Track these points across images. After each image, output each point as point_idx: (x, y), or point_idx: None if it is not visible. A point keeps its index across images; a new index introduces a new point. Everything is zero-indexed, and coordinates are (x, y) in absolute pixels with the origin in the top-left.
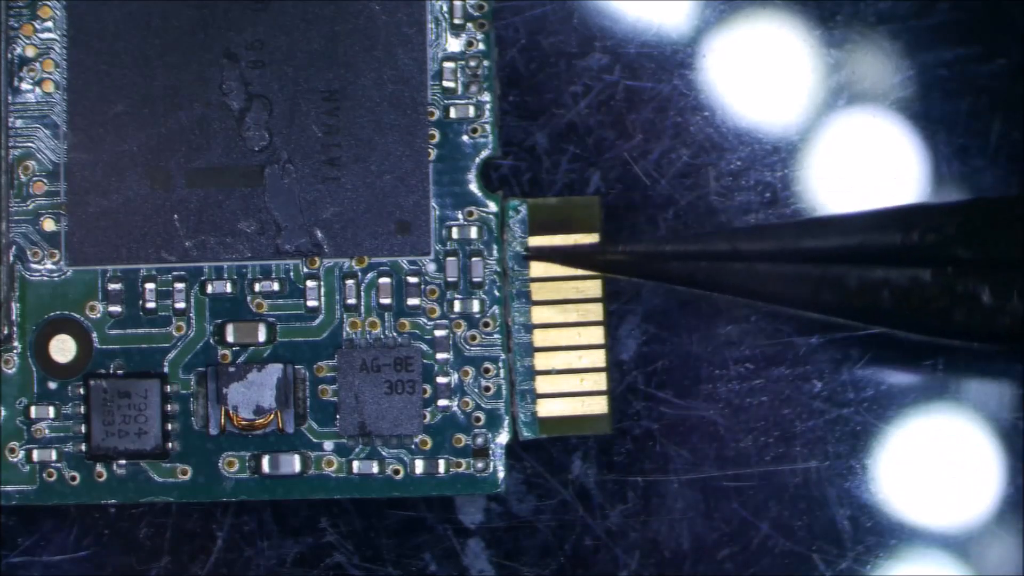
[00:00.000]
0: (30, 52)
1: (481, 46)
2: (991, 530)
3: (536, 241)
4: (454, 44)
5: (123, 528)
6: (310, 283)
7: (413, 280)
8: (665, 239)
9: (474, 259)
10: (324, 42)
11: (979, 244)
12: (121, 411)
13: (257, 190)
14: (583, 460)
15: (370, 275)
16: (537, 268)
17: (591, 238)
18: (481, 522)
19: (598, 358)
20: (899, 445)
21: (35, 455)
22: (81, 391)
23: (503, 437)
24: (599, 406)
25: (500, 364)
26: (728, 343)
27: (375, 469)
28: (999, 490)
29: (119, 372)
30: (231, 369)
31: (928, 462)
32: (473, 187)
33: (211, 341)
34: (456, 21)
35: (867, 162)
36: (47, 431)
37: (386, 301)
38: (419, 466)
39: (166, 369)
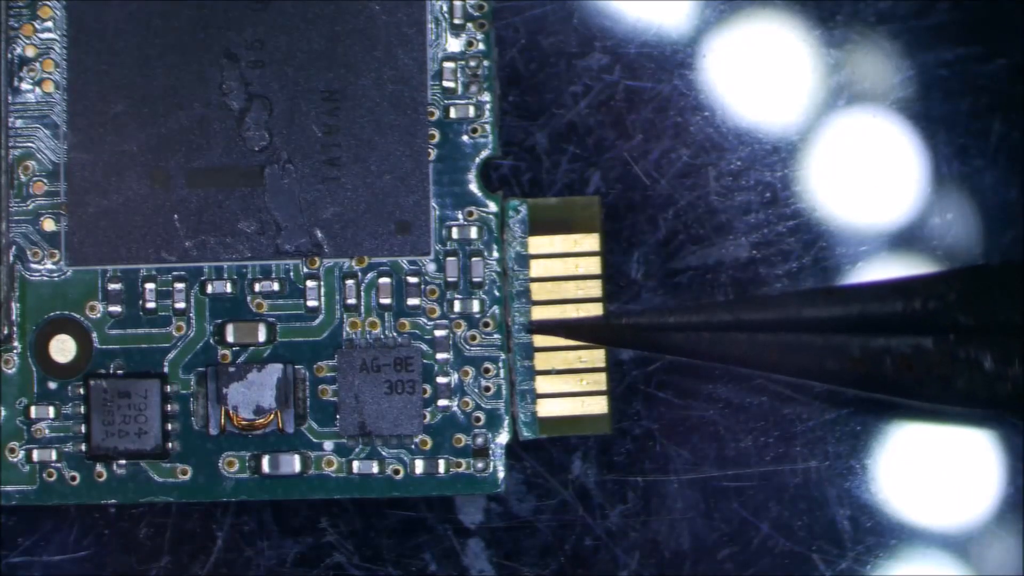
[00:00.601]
0: (30, 52)
1: (481, 46)
2: (991, 530)
3: (536, 241)
4: (454, 44)
5: (123, 528)
6: (310, 283)
7: (413, 280)
8: (668, 311)
9: (474, 259)
10: (324, 42)
11: (980, 310)
12: (121, 411)
13: (257, 190)
14: (583, 460)
15: (370, 275)
16: (537, 268)
17: (591, 238)
18: (481, 522)
19: (598, 358)
20: (899, 445)
21: (35, 455)
22: (81, 391)
23: (503, 437)
24: (599, 406)
25: (500, 364)
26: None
27: (375, 469)
28: (999, 490)
29: (119, 372)
30: (231, 369)
31: (928, 462)
32: (473, 187)
33: (211, 341)
34: (456, 21)
35: (867, 162)
36: (47, 431)
37: (386, 301)
38: (419, 466)
39: (166, 369)
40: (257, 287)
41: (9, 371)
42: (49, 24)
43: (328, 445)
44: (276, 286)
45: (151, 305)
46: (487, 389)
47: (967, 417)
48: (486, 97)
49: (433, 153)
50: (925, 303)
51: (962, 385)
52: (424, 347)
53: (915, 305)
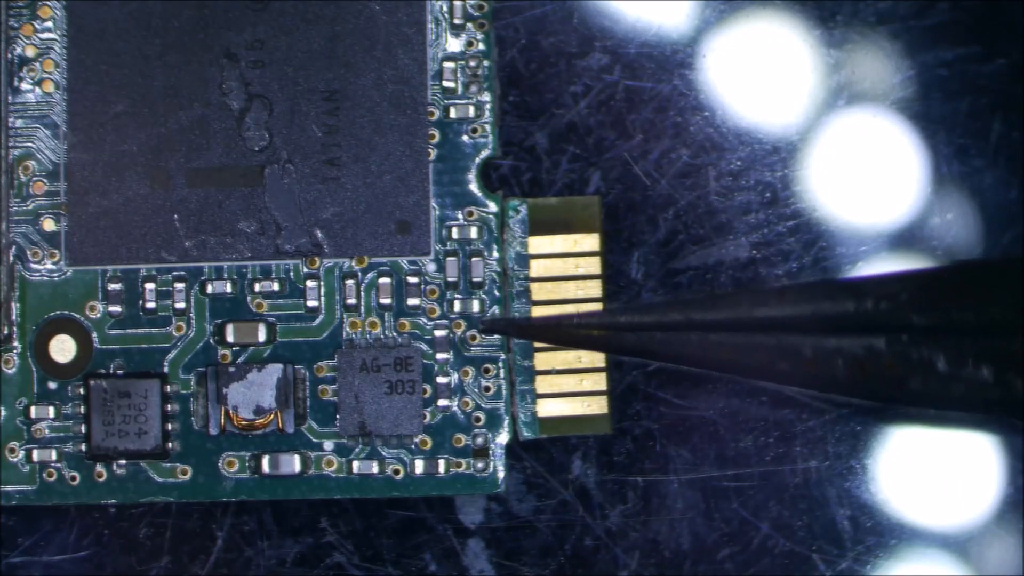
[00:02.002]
0: (30, 52)
1: (481, 46)
2: (991, 530)
3: (536, 241)
4: (454, 44)
5: (123, 528)
6: (310, 283)
7: (413, 280)
8: (620, 311)
9: (474, 259)
10: (324, 42)
11: (933, 311)
12: (121, 411)
13: (257, 190)
14: (583, 460)
15: (370, 275)
16: (537, 268)
17: (591, 238)
18: (481, 522)
19: (598, 358)
20: (899, 445)
21: (35, 455)
22: (81, 391)
23: (503, 437)
24: (599, 406)
25: (500, 364)
26: None
27: (375, 469)
28: (999, 490)
29: (119, 372)
30: (231, 369)
31: (928, 462)
32: (473, 187)
33: (211, 341)
34: (456, 21)
35: (867, 162)
36: (47, 431)
37: (386, 301)
38: (419, 466)
39: (166, 369)
40: (257, 287)
41: (9, 371)
42: (49, 24)
43: (328, 445)
44: (276, 286)
45: (151, 305)
46: (487, 389)
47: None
48: (486, 97)
49: (433, 153)
50: (877, 303)
51: (916, 386)
52: (424, 347)
53: (867, 305)
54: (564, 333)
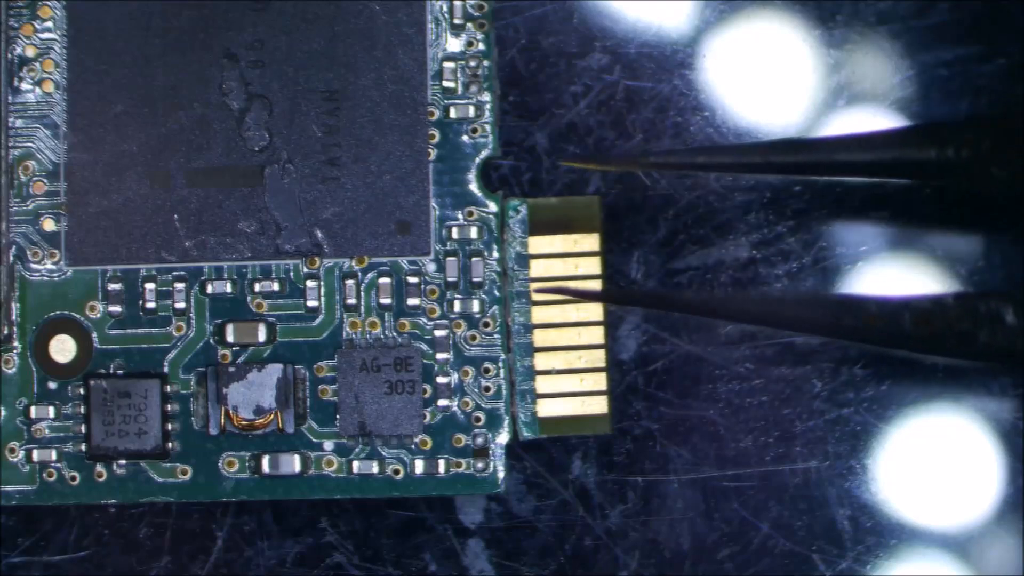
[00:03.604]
0: (30, 52)
1: (481, 46)
2: (991, 530)
3: (536, 241)
4: (454, 44)
5: (123, 528)
6: (310, 283)
7: (413, 280)
8: (698, 151)
9: (474, 259)
10: (324, 42)
11: (1014, 160)
12: (121, 411)
13: (257, 190)
14: (583, 460)
15: (370, 275)
16: (537, 268)
17: (591, 238)
18: (481, 522)
19: (598, 358)
20: (899, 445)
21: (35, 455)
22: (81, 391)
23: (503, 437)
24: (599, 406)
25: (500, 364)
26: (728, 343)
27: (375, 469)
28: (999, 490)
29: (119, 372)
30: (231, 369)
31: (928, 462)
32: (473, 187)
33: (211, 341)
34: (456, 21)
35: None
36: (47, 431)
37: (386, 301)
38: (419, 466)
39: (166, 369)
40: (257, 287)
41: (9, 371)
42: (49, 24)
43: (328, 445)
44: (276, 286)
45: (151, 305)
46: (487, 389)
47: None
48: (486, 97)
49: (433, 153)
50: (959, 151)
51: (984, 339)
52: (424, 347)
53: (948, 153)
54: (624, 292)
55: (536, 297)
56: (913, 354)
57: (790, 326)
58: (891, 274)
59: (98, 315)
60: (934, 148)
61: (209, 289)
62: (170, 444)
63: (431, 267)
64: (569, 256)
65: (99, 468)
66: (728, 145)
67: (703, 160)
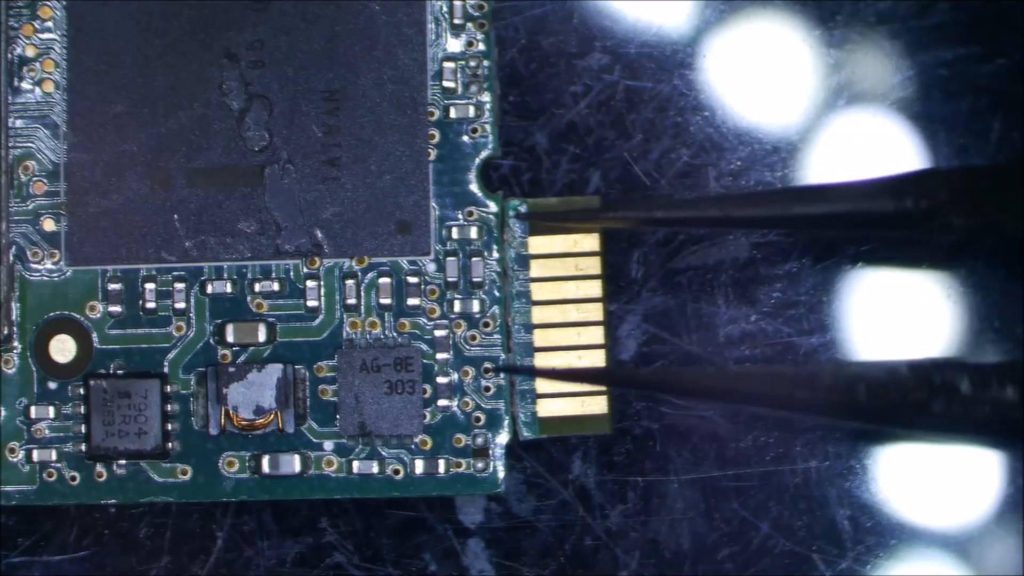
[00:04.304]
0: (30, 52)
1: (481, 46)
2: (991, 530)
3: (536, 241)
4: (454, 44)
5: (123, 528)
6: (310, 283)
7: (413, 280)
8: (656, 204)
9: (474, 259)
10: (324, 42)
11: (973, 211)
12: (121, 411)
13: (257, 190)
14: (583, 460)
15: (370, 275)
16: (537, 268)
17: (591, 238)
18: (481, 522)
19: (598, 358)
20: (899, 445)
21: (35, 455)
22: (81, 391)
23: (503, 437)
24: (599, 406)
25: (500, 364)
26: (728, 343)
27: (375, 469)
28: (999, 490)
29: (119, 372)
30: (231, 369)
31: (928, 462)
32: (473, 187)
33: (211, 341)
34: (456, 21)
35: (867, 162)
36: (47, 431)
37: (386, 301)
38: (419, 466)
39: (166, 369)
40: (257, 287)
41: (9, 371)
42: (49, 24)
43: (328, 445)
44: (276, 286)
45: (151, 305)
46: (487, 389)
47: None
48: (486, 97)
49: (433, 153)
50: (917, 202)
51: (939, 410)
52: (424, 347)
53: (907, 204)
54: (593, 374)
55: (536, 296)
56: (869, 428)
57: (745, 401)
58: (890, 276)
59: (98, 315)
60: (892, 200)
61: (209, 289)
62: (170, 444)
63: (431, 267)
64: (569, 256)
65: (99, 468)
66: (686, 199)
67: (661, 215)
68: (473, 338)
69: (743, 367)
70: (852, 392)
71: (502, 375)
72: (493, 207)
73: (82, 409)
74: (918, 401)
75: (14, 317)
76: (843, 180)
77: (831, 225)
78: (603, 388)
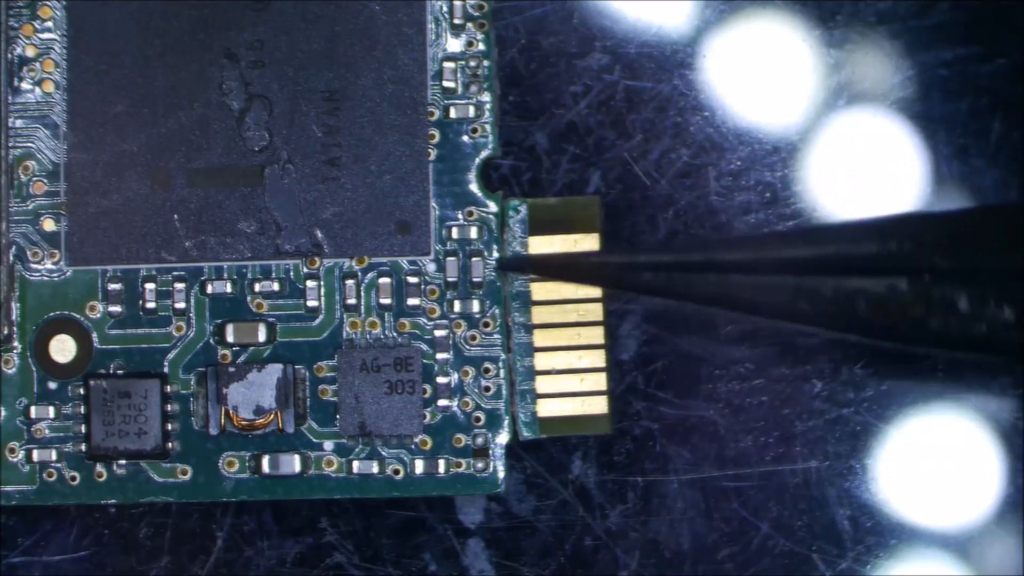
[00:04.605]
0: (30, 52)
1: (481, 46)
2: (991, 530)
3: (536, 241)
4: (454, 44)
5: (123, 528)
6: (310, 283)
7: (413, 280)
8: (640, 250)
9: (474, 259)
10: (324, 42)
11: (957, 254)
12: (121, 411)
13: (257, 190)
14: (583, 460)
15: (370, 275)
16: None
17: (591, 238)
18: (481, 522)
19: (598, 358)
20: (899, 445)
21: (35, 455)
22: (81, 391)
23: (503, 437)
24: (599, 406)
25: (500, 364)
26: (728, 343)
27: (375, 469)
28: (999, 490)
29: (119, 372)
30: (231, 369)
31: (928, 462)
32: (473, 187)
33: (211, 341)
34: (456, 21)
35: (867, 162)
36: (47, 431)
37: (386, 301)
38: (419, 466)
39: (166, 369)
40: (257, 287)
41: (9, 371)
42: (49, 24)
43: (328, 445)
44: (276, 286)
45: (151, 305)
46: (487, 389)
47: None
48: (486, 97)
49: (433, 153)
50: (901, 244)
51: (936, 326)
52: (424, 347)
53: (891, 247)
54: (582, 270)
55: (536, 296)
56: (868, 340)
57: (747, 309)
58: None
59: (98, 315)
60: (876, 243)
61: (209, 289)
62: (170, 444)
63: (431, 267)
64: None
65: (99, 468)
66: (669, 244)
67: (644, 259)
68: (473, 338)
69: (746, 277)
70: (852, 305)
71: (502, 374)
72: (493, 207)
73: (82, 409)
74: (916, 317)
75: (14, 317)
76: (826, 223)
77: (816, 269)
78: (603, 388)
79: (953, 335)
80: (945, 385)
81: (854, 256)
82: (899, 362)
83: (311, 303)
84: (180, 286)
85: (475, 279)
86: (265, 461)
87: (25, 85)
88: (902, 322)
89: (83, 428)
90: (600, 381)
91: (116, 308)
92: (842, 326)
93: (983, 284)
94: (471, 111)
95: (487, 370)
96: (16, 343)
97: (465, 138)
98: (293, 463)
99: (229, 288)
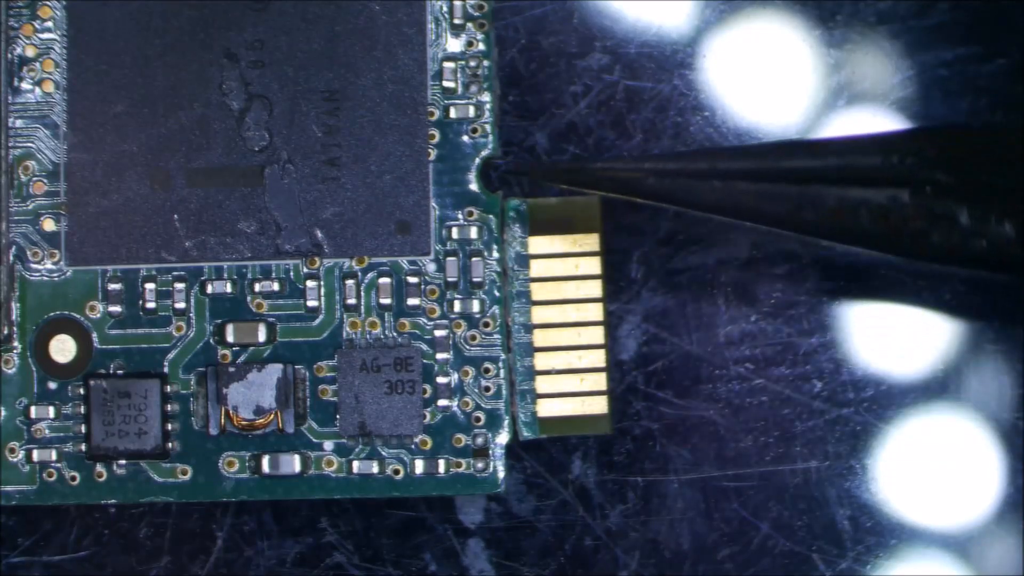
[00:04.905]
0: (30, 52)
1: (481, 46)
2: (991, 530)
3: (536, 241)
4: (454, 44)
5: (123, 528)
6: (310, 283)
7: (413, 280)
8: (645, 158)
9: (474, 259)
10: (324, 42)
11: (959, 169)
12: (121, 411)
13: (257, 190)
14: (583, 460)
15: (370, 275)
16: (537, 268)
17: (591, 238)
18: (481, 522)
19: (598, 358)
20: (899, 445)
21: (35, 455)
22: (81, 391)
23: (503, 437)
24: (599, 406)
25: (500, 364)
26: (728, 343)
27: (375, 469)
28: (999, 490)
29: (119, 372)
30: (231, 369)
31: (928, 462)
32: (473, 187)
33: (211, 341)
34: (456, 21)
35: None
36: (47, 431)
37: (386, 301)
38: (419, 466)
39: (166, 369)
40: (257, 287)
41: (9, 371)
42: (49, 24)
43: (328, 445)
44: (276, 286)
45: (151, 305)
46: (487, 389)
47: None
48: (486, 97)
49: (433, 153)
50: (903, 158)
51: (937, 240)
52: (424, 347)
53: (893, 160)
54: (588, 175)
55: (536, 296)
56: (868, 250)
57: (750, 217)
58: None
59: (98, 315)
60: (879, 155)
61: (209, 289)
62: (170, 444)
63: (431, 267)
64: (569, 256)
65: (99, 468)
66: (675, 153)
67: (650, 165)
68: (473, 338)
69: (750, 184)
70: (854, 216)
71: (502, 374)
72: (493, 207)
73: (82, 409)
74: (918, 230)
75: (14, 317)
76: (832, 136)
77: (820, 179)
78: (603, 388)
79: (954, 249)
80: (945, 385)
81: (857, 167)
82: (899, 362)
83: (311, 303)
84: (180, 286)
85: (475, 279)
86: (265, 461)
87: (25, 85)
88: (903, 234)
89: (83, 428)
90: (600, 381)
91: (116, 308)
92: (844, 236)
93: (984, 200)
94: (471, 111)
95: (487, 370)
96: (16, 343)
97: (465, 138)
98: (293, 463)
99: (229, 288)
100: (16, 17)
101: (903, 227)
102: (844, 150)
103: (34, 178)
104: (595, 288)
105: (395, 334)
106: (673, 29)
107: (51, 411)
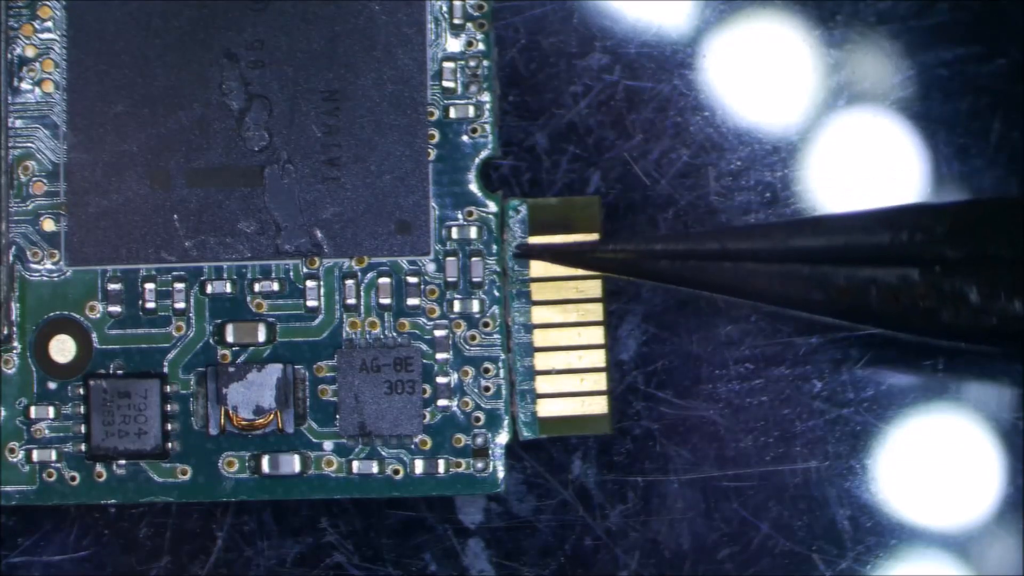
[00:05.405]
0: (30, 52)
1: (481, 46)
2: (991, 530)
3: (536, 241)
4: (454, 44)
5: (123, 528)
6: (310, 283)
7: (413, 280)
8: (655, 238)
9: (474, 259)
10: (324, 42)
11: (967, 244)
12: (121, 411)
13: (257, 190)
14: (583, 460)
15: (370, 275)
16: (537, 268)
17: (591, 238)
18: (481, 522)
19: (598, 358)
20: (899, 445)
21: (35, 455)
22: (81, 391)
23: (503, 437)
24: (599, 406)
25: (500, 364)
26: (728, 343)
27: (375, 469)
28: (999, 490)
29: (119, 372)
30: (231, 369)
31: (928, 462)
32: (473, 187)
33: (211, 341)
34: (456, 21)
35: (867, 162)
36: (47, 431)
37: (386, 301)
38: (419, 466)
39: (166, 369)
40: (257, 287)
41: (9, 371)
42: (49, 24)
43: (328, 445)
44: (276, 286)
45: (151, 305)
46: (487, 389)
47: (965, 351)
48: (486, 97)
49: (433, 153)
50: (912, 235)
51: (947, 318)
52: (424, 347)
53: (902, 237)
54: (598, 258)
55: (536, 296)
56: (882, 331)
57: (760, 298)
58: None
59: (98, 315)
60: (887, 233)
61: (209, 289)
62: (170, 444)
63: (431, 267)
64: None
65: (99, 468)
66: (684, 233)
67: (660, 247)
68: (473, 338)
69: (759, 265)
70: (864, 295)
71: (502, 374)
72: (493, 207)
73: (82, 409)
74: (928, 309)
75: (14, 317)
76: (839, 213)
77: (828, 258)
78: (603, 388)
79: (964, 327)
80: (945, 385)
81: (866, 246)
82: (899, 362)
83: (311, 303)
84: (180, 286)
85: (475, 279)
86: (265, 461)
87: (25, 85)
88: (914, 313)
89: (83, 428)
90: (600, 381)
91: (116, 308)
92: (854, 316)
93: (993, 275)
94: (471, 111)
95: (487, 370)
96: (16, 343)
97: (465, 138)
98: (293, 463)
99: (229, 288)
100: (16, 17)
101: (913, 306)
102: (852, 228)
103: (34, 178)
104: (595, 288)
105: (395, 334)
106: (673, 29)
107: (51, 411)
